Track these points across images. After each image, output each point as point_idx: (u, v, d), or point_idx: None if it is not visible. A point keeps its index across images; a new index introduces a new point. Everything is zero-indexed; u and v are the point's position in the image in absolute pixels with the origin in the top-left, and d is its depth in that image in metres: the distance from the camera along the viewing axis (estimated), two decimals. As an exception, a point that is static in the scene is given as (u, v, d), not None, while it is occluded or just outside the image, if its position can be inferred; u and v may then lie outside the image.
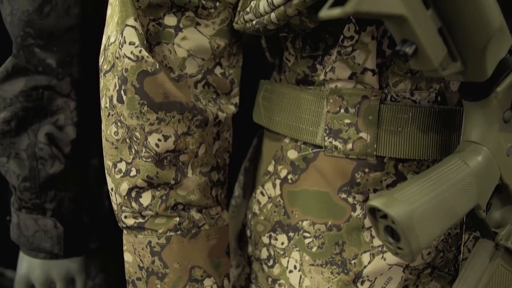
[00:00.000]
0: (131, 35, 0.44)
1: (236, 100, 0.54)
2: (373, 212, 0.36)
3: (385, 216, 0.35)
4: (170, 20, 0.48)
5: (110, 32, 0.47)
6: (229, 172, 0.56)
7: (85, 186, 0.71)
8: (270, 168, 0.54)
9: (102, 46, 0.48)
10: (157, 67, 0.45)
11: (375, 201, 0.35)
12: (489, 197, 0.41)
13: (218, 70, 0.52)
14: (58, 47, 0.62)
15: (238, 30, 0.51)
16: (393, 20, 0.31)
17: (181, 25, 0.49)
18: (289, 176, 0.52)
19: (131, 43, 0.44)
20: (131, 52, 0.44)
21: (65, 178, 0.65)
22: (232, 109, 0.53)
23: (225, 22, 0.51)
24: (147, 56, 0.44)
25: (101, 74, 0.48)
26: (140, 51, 0.44)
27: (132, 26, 0.44)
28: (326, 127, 0.47)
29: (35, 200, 0.64)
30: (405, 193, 0.35)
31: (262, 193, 0.55)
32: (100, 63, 0.48)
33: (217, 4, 0.49)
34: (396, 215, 0.34)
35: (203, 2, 0.49)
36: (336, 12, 0.28)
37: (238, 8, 0.50)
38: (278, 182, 0.53)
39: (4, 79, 0.62)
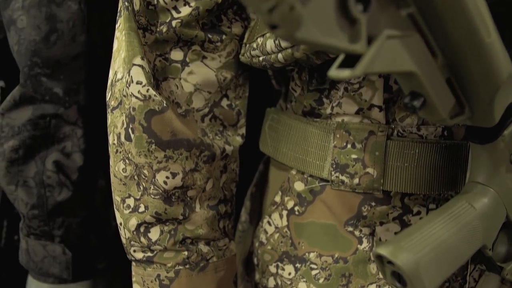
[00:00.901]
0: (138, 74, 0.45)
1: (243, 130, 0.54)
2: (380, 257, 0.37)
3: (391, 262, 0.35)
4: (176, 54, 0.49)
5: (117, 67, 0.47)
6: (236, 199, 0.56)
7: (92, 207, 0.71)
8: (277, 199, 0.54)
9: (109, 81, 0.49)
10: (164, 104, 0.45)
11: (382, 250, 0.35)
12: (496, 236, 0.42)
13: (224, 102, 0.52)
14: (65, 75, 0.62)
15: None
16: (402, 75, 0.32)
17: (187, 59, 0.49)
18: (296, 208, 0.52)
19: (138, 82, 0.44)
20: (138, 92, 0.44)
21: (73, 204, 0.66)
22: (239, 140, 0.53)
23: (231, 54, 0.51)
24: (154, 95, 0.45)
25: (109, 110, 0.48)
26: (147, 90, 0.45)
27: (139, 65, 0.45)
28: (333, 161, 0.47)
29: (43, 227, 0.65)
30: (412, 241, 0.36)
31: (269, 222, 0.55)
32: (107, 99, 0.49)
33: (224, 37, 0.50)
34: (403, 264, 0.34)
35: (209, 36, 0.49)
36: (346, 74, 0.29)
37: (244, 40, 0.51)
38: (285, 213, 0.53)
39: (11, 108, 0.62)
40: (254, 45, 0.47)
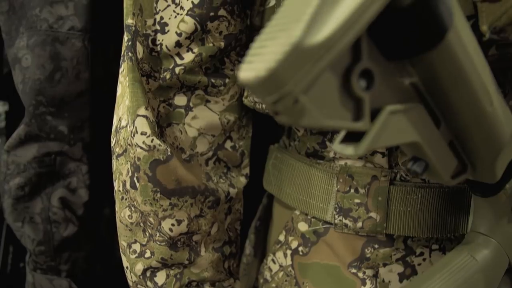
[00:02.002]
0: (142, 125, 0.45)
1: (247, 170, 0.54)
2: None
3: None
4: (180, 100, 0.49)
5: (121, 114, 0.48)
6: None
7: (98, 238, 0.72)
8: (281, 238, 0.55)
9: (114, 127, 0.49)
10: (169, 153, 0.46)
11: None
12: (497, 284, 0.42)
13: (228, 144, 0.52)
14: (69, 113, 0.62)
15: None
16: (405, 145, 0.32)
17: (191, 104, 0.49)
18: (300, 248, 0.52)
19: (142, 133, 0.45)
20: (143, 142, 0.45)
21: (79, 239, 0.67)
22: (243, 181, 0.54)
23: (234, 97, 0.51)
24: (159, 144, 0.45)
25: (114, 156, 0.49)
26: (152, 140, 0.45)
27: (143, 116, 0.45)
28: (336, 205, 0.48)
29: (50, 262, 0.65)
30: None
31: (273, 260, 0.56)
32: (112, 144, 0.49)
33: (227, 80, 0.50)
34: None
35: (213, 80, 0.49)
36: (349, 152, 0.29)
37: (247, 83, 0.51)
38: (289, 252, 0.54)
39: (17, 145, 0.63)
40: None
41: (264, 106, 0.47)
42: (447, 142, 0.34)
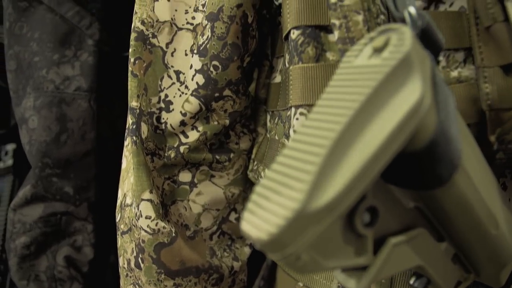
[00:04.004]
0: (147, 209, 0.45)
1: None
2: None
3: None
4: (185, 176, 0.49)
5: (126, 190, 0.48)
6: None
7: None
8: (285, 308, 0.55)
9: (118, 202, 0.49)
10: (173, 234, 0.46)
11: None
12: None
13: (232, 216, 0.52)
14: (75, 174, 0.63)
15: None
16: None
17: (195, 180, 0.49)
18: (304, 321, 0.52)
19: (147, 217, 0.45)
20: (148, 226, 0.45)
21: (84, 296, 0.67)
22: (247, 251, 0.54)
23: (239, 171, 0.51)
24: (163, 227, 0.45)
25: (118, 232, 0.49)
26: (156, 224, 0.45)
27: (148, 200, 0.45)
28: (340, 285, 0.48)
29: (54, 320, 0.66)
30: None
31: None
32: (116, 219, 0.49)
33: (231, 155, 0.50)
34: None
35: (217, 157, 0.49)
36: (351, 285, 0.29)
37: (253, 156, 0.51)
38: (293, 323, 0.54)
39: (23, 205, 0.63)
40: (263, 175, 0.47)
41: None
42: (451, 256, 0.34)
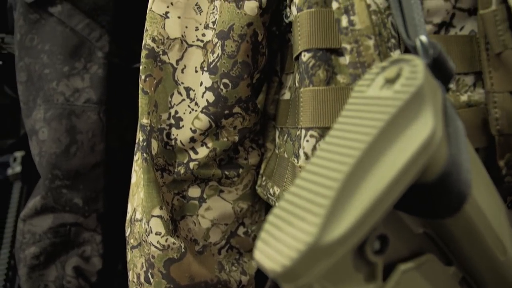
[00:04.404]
0: (157, 225, 0.46)
1: (259, 253, 0.55)
2: None
3: None
4: (194, 191, 0.50)
5: (136, 205, 0.48)
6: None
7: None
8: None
9: (128, 216, 0.50)
10: (183, 250, 0.46)
11: None
12: None
13: (241, 231, 0.53)
14: (84, 185, 0.63)
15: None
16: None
17: (204, 196, 0.50)
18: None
19: (157, 233, 0.46)
20: (158, 242, 0.46)
21: (92, 306, 0.68)
22: (255, 266, 0.54)
23: (248, 185, 0.52)
24: (173, 243, 0.46)
25: (128, 247, 0.49)
26: (166, 240, 0.46)
27: (158, 216, 0.46)
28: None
29: (63, 330, 0.66)
30: None
31: None
32: (126, 234, 0.50)
33: (240, 171, 0.50)
34: None
35: (226, 172, 0.50)
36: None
37: (261, 171, 0.51)
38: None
39: (33, 215, 0.64)
40: (271, 191, 0.48)
41: (276, 202, 0.47)
42: (458, 280, 0.34)
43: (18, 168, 0.95)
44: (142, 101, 0.47)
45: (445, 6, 0.36)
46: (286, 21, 0.46)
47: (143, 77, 0.47)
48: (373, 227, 0.25)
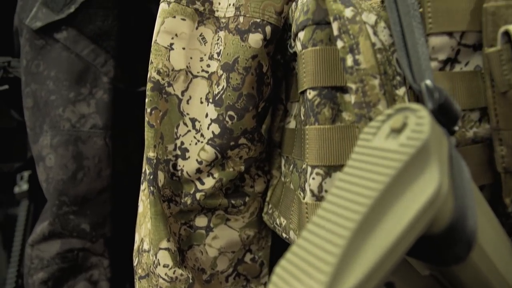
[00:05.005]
0: (165, 258, 0.46)
1: (266, 279, 0.55)
2: None
3: None
4: (201, 221, 0.50)
5: (143, 235, 0.49)
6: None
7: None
8: None
9: (136, 246, 0.50)
10: (191, 280, 0.47)
11: None
12: None
13: (248, 257, 0.53)
14: (91, 210, 0.64)
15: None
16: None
17: (211, 225, 0.50)
18: None
19: (165, 266, 0.46)
20: (165, 274, 0.46)
21: (100, 329, 0.68)
22: (262, 292, 0.54)
23: (254, 213, 0.52)
24: (181, 274, 0.46)
25: (136, 277, 0.50)
26: (174, 272, 0.46)
27: (166, 248, 0.46)
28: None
29: None
30: None
31: None
32: (134, 263, 0.50)
33: (247, 199, 0.51)
34: None
35: (233, 202, 0.50)
36: None
37: (267, 199, 0.52)
38: None
39: (41, 241, 0.64)
40: (278, 221, 0.48)
41: (282, 233, 0.48)
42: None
43: (25, 187, 0.95)
44: (148, 134, 0.47)
45: (450, 43, 0.36)
46: (291, 51, 0.46)
47: (148, 110, 0.47)
48: (381, 283, 0.25)
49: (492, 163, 0.36)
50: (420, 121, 0.27)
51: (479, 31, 0.36)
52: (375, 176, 0.26)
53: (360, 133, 0.30)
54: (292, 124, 0.48)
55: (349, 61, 0.35)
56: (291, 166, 0.47)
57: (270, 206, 0.51)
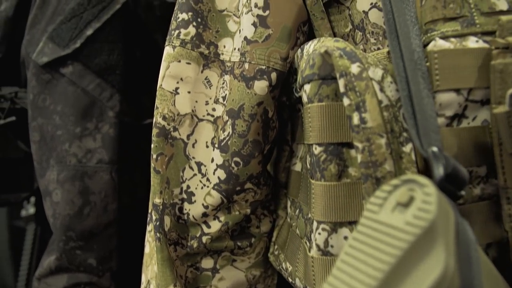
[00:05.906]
0: (172, 304, 0.46)
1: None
2: None
3: None
4: (207, 263, 0.50)
5: (150, 277, 0.49)
6: None
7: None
8: None
9: (142, 286, 0.50)
10: (197, 326, 0.47)
11: None
12: None
13: (254, 296, 0.53)
14: (98, 245, 0.64)
15: None
16: None
17: (217, 266, 0.50)
18: None
19: (172, 311, 0.46)
20: (172, 318, 0.46)
21: None
22: (268, 330, 0.54)
23: (260, 253, 0.52)
24: None
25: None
26: (180, 316, 0.46)
27: (172, 294, 0.46)
28: None
29: None
30: None
31: None
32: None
33: (253, 240, 0.51)
34: None
35: (239, 243, 0.50)
36: None
37: (273, 239, 0.51)
38: None
39: (48, 275, 0.65)
40: (284, 266, 0.48)
41: (288, 277, 0.47)
42: None
43: (31, 210, 0.96)
44: (154, 180, 0.47)
45: (457, 99, 0.36)
46: (297, 95, 0.46)
47: (154, 156, 0.47)
48: None
49: (499, 220, 0.36)
50: (427, 198, 0.26)
51: (486, 87, 0.36)
52: (381, 255, 0.26)
53: (366, 203, 0.30)
54: (298, 166, 0.48)
55: (356, 119, 0.35)
56: (297, 210, 0.47)
57: (276, 247, 0.51)
